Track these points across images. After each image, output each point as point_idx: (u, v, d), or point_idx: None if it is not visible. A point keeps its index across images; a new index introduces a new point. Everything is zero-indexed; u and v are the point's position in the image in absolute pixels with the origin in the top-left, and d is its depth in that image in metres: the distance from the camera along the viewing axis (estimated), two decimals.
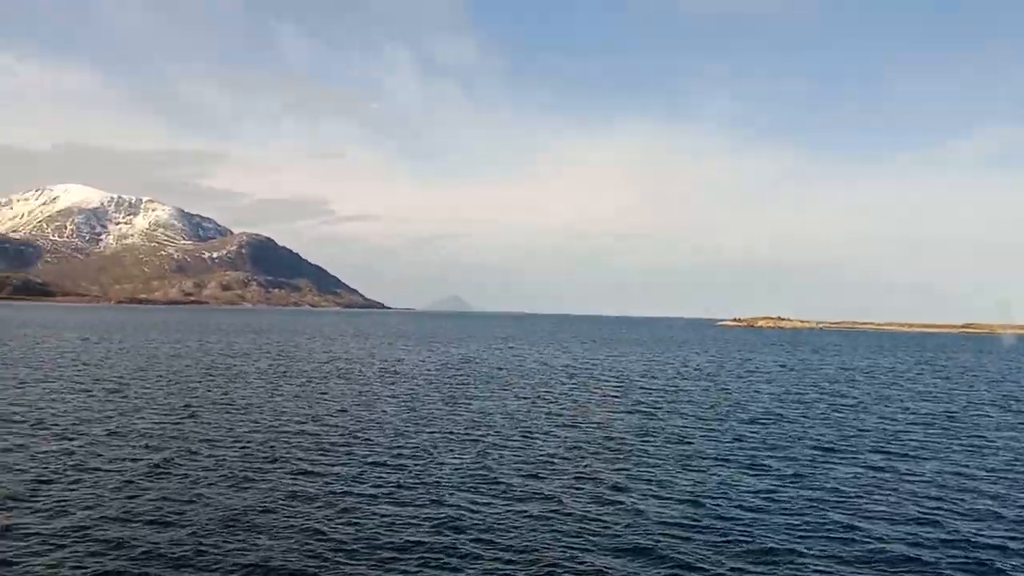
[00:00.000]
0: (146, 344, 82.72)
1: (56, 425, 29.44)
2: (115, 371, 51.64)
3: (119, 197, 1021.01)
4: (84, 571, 14.60)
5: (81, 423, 30.13)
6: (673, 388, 51.82)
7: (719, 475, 24.14)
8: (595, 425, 33.58)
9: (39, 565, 14.83)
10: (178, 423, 30.84)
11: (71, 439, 26.72)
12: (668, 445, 29.12)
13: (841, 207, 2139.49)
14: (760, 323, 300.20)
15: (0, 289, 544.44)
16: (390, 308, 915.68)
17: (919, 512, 20.55)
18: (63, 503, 18.80)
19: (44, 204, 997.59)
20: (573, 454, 26.76)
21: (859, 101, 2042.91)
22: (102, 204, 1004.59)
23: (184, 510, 18.56)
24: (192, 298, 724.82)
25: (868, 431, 34.29)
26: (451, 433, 30.28)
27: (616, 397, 45.16)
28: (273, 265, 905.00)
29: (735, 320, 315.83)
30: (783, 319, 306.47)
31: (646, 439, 30.16)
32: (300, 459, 24.62)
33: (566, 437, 30.21)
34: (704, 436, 31.40)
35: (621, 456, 26.65)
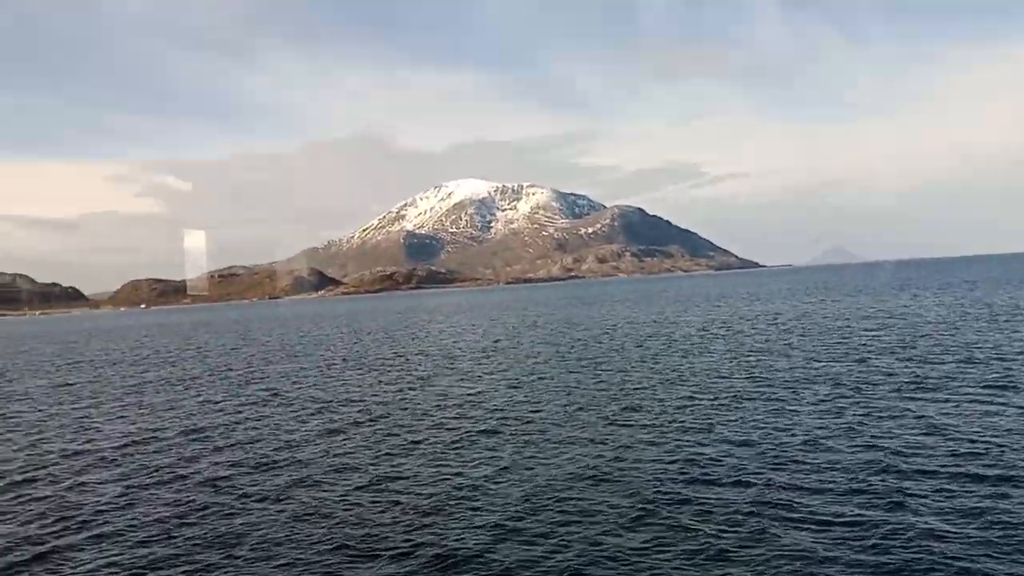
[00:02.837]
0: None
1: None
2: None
3: (503, 185, 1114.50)
4: None
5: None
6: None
7: None
8: None
9: None
10: None
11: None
12: None
13: None
14: None
15: (410, 280, 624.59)
16: (765, 266, 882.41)
17: None
18: None
19: (442, 200, 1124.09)
20: None
21: None
22: (489, 194, 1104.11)
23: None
24: (572, 273, 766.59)
25: None
26: None
27: None
28: (644, 234, 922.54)
29: None
30: None
31: None
32: None
33: None
34: None
35: None
